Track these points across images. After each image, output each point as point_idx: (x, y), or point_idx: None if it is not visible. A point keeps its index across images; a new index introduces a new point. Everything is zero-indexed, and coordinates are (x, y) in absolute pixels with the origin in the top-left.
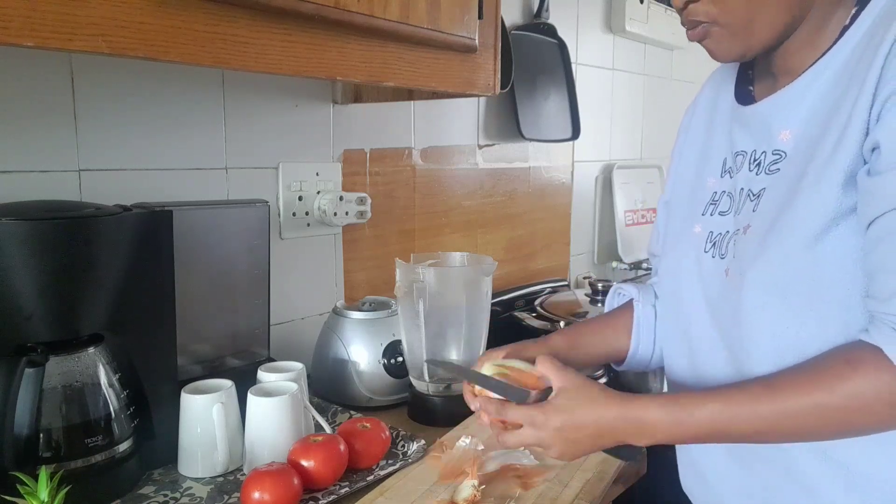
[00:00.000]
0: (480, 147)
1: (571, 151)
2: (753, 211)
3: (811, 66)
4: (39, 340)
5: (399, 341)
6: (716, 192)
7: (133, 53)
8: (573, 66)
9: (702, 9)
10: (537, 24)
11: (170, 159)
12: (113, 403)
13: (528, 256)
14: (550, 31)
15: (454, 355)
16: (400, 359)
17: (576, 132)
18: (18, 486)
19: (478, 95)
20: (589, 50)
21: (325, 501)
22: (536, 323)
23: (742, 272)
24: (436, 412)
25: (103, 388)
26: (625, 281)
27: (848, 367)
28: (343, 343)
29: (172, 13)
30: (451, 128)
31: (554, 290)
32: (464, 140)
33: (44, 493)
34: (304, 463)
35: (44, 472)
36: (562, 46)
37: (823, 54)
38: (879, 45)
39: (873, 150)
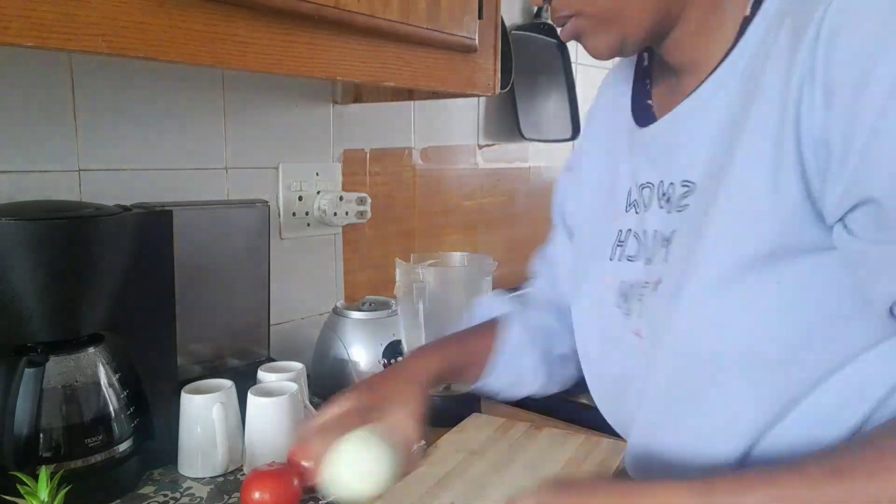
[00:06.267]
0: (480, 147)
1: (571, 151)
2: (665, 261)
3: (715, 69)
4: (39, 340)
5: (399, 341)
6: (621, 231)
7: (133, 53)
8: (573, 66)
9: (563, 1)
10: (537, 24)
11: (170, 159)
12: (113, 403)
13: (528, 256)
14: (550, 31)
15: None
16: (400, 359)
17: (576, 132)
18: (18, 486)
19: (478, 95)
20: None
21: (325, 502)
22: None
23: (656, 337)
24: (436, 412)
25: (103, 388)
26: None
27: None
28: (343, 343)
29: (172, 13)
30: (451, 128)
31: None
32: (464, 140)
33: (44, 493)
34: (305, 463)
35: (44, 472)
36: (562, 46)
37: (728, 53)
38: (802, 35)
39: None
